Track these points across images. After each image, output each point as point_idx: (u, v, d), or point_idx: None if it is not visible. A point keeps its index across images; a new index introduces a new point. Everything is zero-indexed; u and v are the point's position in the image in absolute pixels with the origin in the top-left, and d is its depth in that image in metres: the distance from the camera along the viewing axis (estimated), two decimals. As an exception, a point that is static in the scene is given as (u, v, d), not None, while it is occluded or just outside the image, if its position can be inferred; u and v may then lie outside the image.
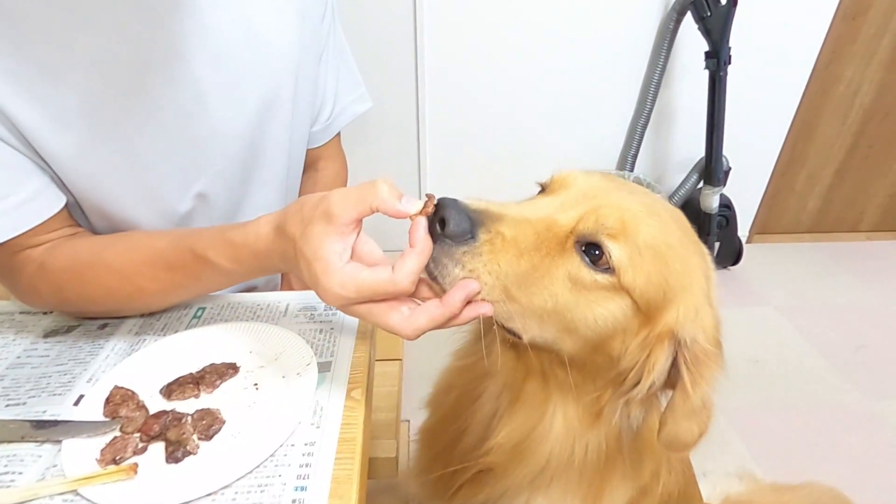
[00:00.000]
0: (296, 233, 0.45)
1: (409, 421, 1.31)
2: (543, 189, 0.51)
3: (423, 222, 0.42)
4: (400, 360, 1.02)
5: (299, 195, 0.86)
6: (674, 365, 0.45)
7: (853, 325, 1.91)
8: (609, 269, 0.43)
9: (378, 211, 0.43)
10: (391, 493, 1.25)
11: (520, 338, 0.47)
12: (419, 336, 0.44)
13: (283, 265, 0.50)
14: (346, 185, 0.93)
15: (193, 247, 0.52)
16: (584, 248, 0.44)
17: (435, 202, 0.43)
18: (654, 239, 0.44)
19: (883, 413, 1.54)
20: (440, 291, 0.44)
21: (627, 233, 0.43)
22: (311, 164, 0.87)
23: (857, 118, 2.16)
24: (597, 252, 0.43)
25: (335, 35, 0.78)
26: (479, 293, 0.42)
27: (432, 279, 0.43)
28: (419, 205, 0.43)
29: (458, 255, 0.42)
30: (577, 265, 0.43)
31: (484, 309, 0.43)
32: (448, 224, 0.41)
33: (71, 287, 0.55)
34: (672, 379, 0.46)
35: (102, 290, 0.55)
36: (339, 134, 0.89)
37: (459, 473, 0.59)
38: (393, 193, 0.43)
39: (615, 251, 0.42)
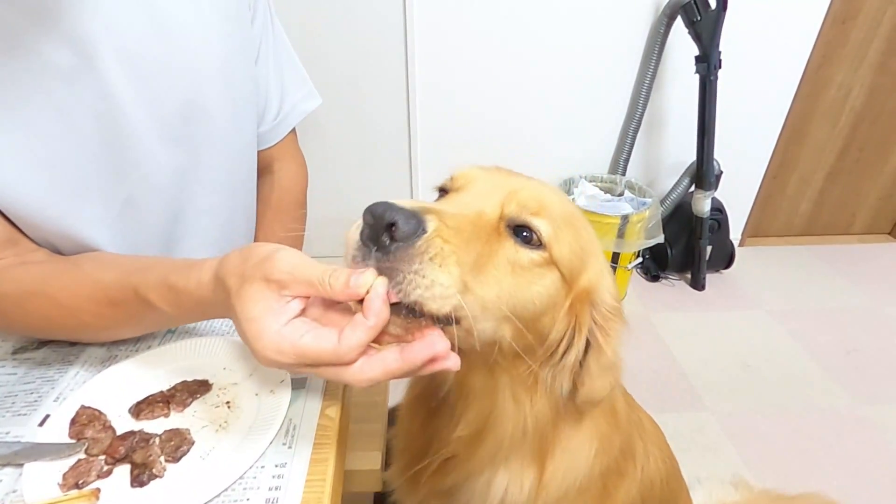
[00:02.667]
0: (232, 287, 0.41)
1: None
2: (445, 190, 0.53)
3: (381, 290, 0.37)
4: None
5: (257, 199, 0.84)
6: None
7: (845, 328, 1.91)
8: (540, 246, 0.46)
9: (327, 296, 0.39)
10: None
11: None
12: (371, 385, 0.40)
13: (226, 314, 0.44)
14: (305, 186, 0.91)
15: (137, 287, 0.49)
16: (514, 230, 0.46)
17: (365, 212, 0.39)
18: (565, 212, 0.48)
19: (874, 417, 1.54)
20: (402, 324, 0.39)
21: (545, 209, 0.46)
22: (266, 166, 0.84)
23: (848, 121, 2.17)
24: (525, 234, 0.46)
25: (273, 34, 0.76)
26: (446, 352, 0.38)
27: (397, 294, 0.38)
28: (370, 278, 0.38)
29: (416, 252, 0.38)
30: (513, 248, 0.45)
31: (450, 363, 0.38)
32: (398, 225, 0.37)
33: (13, 314, 0.54)
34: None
35: (44, 321, 0.54)
36: (294, 134, 0.87)
37: (427, 466, 0.61)
38: (347, 283, 0.38)
39: (542, 227, 0.46)
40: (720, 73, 1.78)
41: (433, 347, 0.37)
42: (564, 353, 0.50)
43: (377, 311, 0.37)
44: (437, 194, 0.55)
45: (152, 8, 0.57)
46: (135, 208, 0.63)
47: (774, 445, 1.46)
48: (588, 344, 0.50)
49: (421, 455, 0.63)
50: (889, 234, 2.49)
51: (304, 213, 0.92)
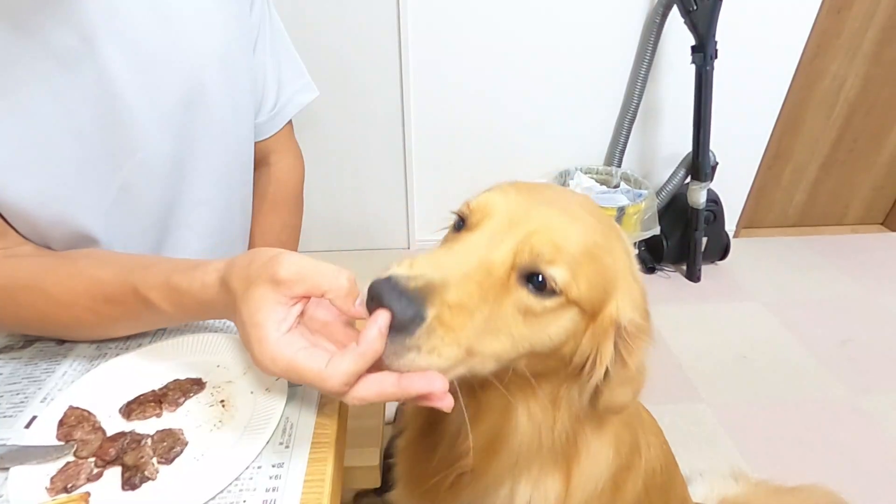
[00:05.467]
0: (238, 290, 0.42)
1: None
2: (462, 219, 0.49)
3: (381, 321, 0.37)
4: (384, 364, 1.00)
5: (254, 191, 0.83)
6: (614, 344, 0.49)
7: (839, 319, 1.92)
8: (557, 293, 0.43)
9: (328, 300, 0.40)
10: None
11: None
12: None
13: (228, 316, 0.46)
14: (302, 178, 0.90)
15: (137, 285, 0.48)
16: (527, 278, 0.43)
17: (368, 288, 0.39)
18: (585, 245, 0.45)
19: (868, 407, 1.55)
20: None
21: (562, 252, 0.43)
22: (262, 158, 0.83)
23: (843, 112, 2.17)
24: (540, 279, 0.43)
25: (271, 25, 0.75)
26: (443, 392, 0.38)
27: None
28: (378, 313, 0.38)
29: (413, 343, 0.38)
30: (525, 297, 0.43)
31: (443, 404, 0.38)
32: (395, 314, 0.37)
33: (5, 308, 0.52)
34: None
35: (37, 315, 0.52)
36: (290, 126, 0.86)
37: (440, 482, 0.60)
38: (352, 293, 0.40)
39: (558, 275, 0.43)
40: (716, 63, 1.77)
41: (431, 385, 0.38)
42: (588, 373, 0.49)
43: (370, 341, 0.37)
44: (453, 217, 0.52)
45: None
46: (130, 195, 0.62)
47: (770, 436, 1.46)
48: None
49: (429, 472, 0.61)
50: (882, 224, 2.50)
51: (301, 206, 0.91)
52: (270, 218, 0.85)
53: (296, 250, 0.88)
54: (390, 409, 0.95)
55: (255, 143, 0.79)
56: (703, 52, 1.74)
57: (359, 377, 0.38)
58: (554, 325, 0.45)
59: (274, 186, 0.85)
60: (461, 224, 0.49)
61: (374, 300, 0.38)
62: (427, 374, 0.38)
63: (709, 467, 1.19)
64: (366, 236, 2.23)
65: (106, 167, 0.59)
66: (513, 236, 0.44)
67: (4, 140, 0.51)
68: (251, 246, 0.85)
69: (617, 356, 0.48)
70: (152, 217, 0.66)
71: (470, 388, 0.53)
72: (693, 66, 1.79)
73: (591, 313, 0.47)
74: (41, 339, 0.56)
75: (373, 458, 0.81)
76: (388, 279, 0.39)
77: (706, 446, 1.42)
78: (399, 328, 0.38)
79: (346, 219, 2.19)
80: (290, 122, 0.85)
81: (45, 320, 0.53)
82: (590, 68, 1.95)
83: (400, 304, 0.37)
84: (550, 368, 0.49)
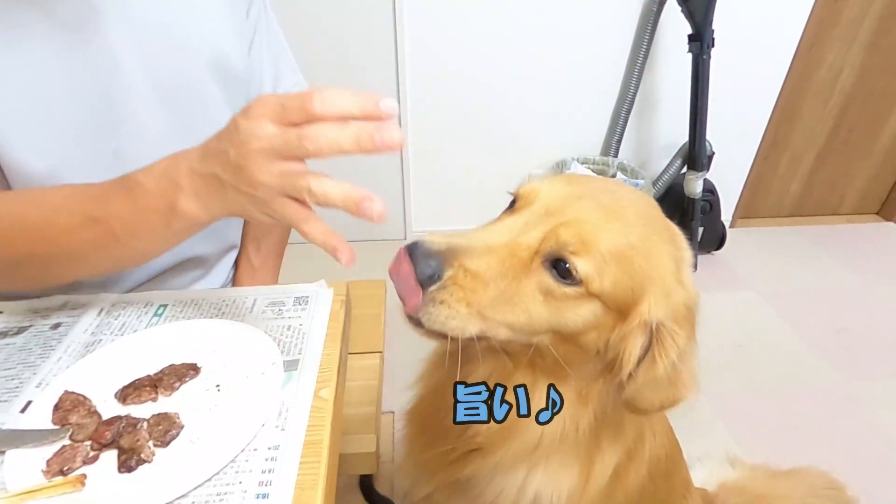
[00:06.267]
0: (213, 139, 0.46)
1: (393, 412, 1.30)
2: (515, 199, 0.53)
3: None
4: (380, 352, 1.00)
5: None
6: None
7: (834, 307, 1.93)
8: (578, 282, 0.46)
9: (315, 114, 0.42)
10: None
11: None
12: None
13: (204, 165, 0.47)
14: None
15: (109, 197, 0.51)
16: (552, 263, 0.46)
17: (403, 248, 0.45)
18: (616, 245, 0.46)
19: (863, 395, 1.56)
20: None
21: (589, 246, 0.45)
22: None
23: (839, 102, 2.17)
24: (565, 265, 0.46)
25: (267, 24, 0.79)
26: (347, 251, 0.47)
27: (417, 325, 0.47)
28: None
29: (431, 296, 0.45)
30: (546, 280, 0.46)
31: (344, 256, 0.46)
32: (418, 269, 0.44)
33: None
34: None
35: (21, 244, 0.52)
36: None
37: (448, 453, 0.61)
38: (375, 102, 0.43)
39: (581, 265, 0.45)
40: (713, 52, 1.77)
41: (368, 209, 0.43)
42: (616, 371, 0.49)
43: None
44: (510, 198, 0.55)
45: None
46: (124, 162, 0.62)
47: (765, 423, 1.48)
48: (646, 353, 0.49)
49: (435, 441, 0.62)
50: (877, 213, 2.51)
51: None
52: None
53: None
54: (387, 401, 0.95)
55: None
56: (700, 41, 1.73)
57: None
58: (572, 312, 0.47)
59: None
60: (512, 204, 0.52)
61: (404, 258, 0.45)
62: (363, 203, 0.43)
63: (704, 454, 1.21)
64: (361, 227, 2.20)
65: (101, 131, 0.61)
66: (545, 224, 0.47)
67: (5, 88, 0.53)
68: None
69: (649, 357, 0.47)
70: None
71: (498, 362, 0.54)
72: (690, 56, 1.78)
73: (617, 311, 0.47)
74: (34, 323, 0.56)
75: (370, 445, 0.81)
76: (421, 241, 0.45)
77: (702, 433, 1.43)
78: (423, 281, 0.44)
79: (341, 210, 2.18)
80: None
81: (32, 252, 0.53)
82: (587, 58, 1.94)
83: (424, 262, 0.44)
84: (575, 355, 0.50)
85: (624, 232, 0.47)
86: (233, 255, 0.87)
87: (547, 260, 0.46)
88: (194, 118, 0.67)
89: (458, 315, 0.45)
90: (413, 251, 0.45)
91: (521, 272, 0.46)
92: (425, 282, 0.44)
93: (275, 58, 0.82)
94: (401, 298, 0.46)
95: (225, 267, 0.85)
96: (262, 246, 0.90)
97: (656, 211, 0.52)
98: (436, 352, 0.67)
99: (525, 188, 0.51)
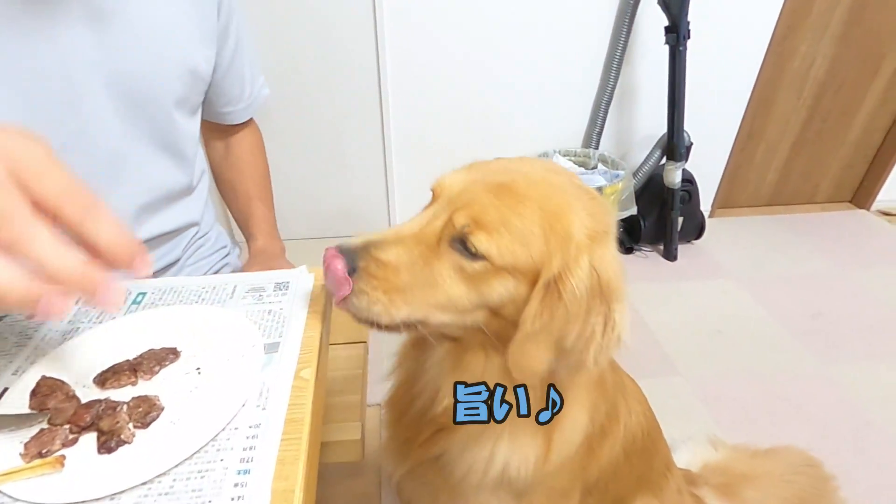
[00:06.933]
0: None
1: (380, 405, 1.29)
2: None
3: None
4: (365, 342, 1.00)
5: (211, 165, 0.94)
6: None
7: (809, 293, 1.98)
8: (482, 257, 0.49)
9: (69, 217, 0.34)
10: (362, 474, 1.25)
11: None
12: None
13: None
14: (265, 158, 1.01)
15: None
16: (459, 243, 0.50)
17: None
18: (507, 219, 0.49)
19: (838, 377, 1.61)
20: None
21: (482, 224, 0.48)
22: (229, 133, 0.95)
23: (812, 92, 2.22)
24: (468, 245, 0.49)
25: (238, 27, 0.82)
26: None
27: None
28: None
29: (352, 288, 0.49)
30: (457, 259, 0.50)
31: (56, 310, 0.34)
32: (332, 268, 0.48)
33: None
34: None
35: None
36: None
37: (421, 432, 0.64)
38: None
39: (478, 242, 0.48)
40: (689, 44, 1.80)
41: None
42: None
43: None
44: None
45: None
46: (70, 156, 0.64)
47: (744, 406, 1.51)
48: None
49: (409, 424, 0.65)
50: (850, 202, 2.57)
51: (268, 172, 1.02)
52: (258, 159, 0.99)
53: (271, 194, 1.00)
54: (374, 393, 0.96)
55: (223, 123, 0.92)
56: (676, 33, 1.76)
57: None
58: (486, 287, 0.50)
59: (249, 136, 0.98)
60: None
61: (332, 256, 0.49)
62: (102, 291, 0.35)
63: (686, 437, 1.23)
64: (346, 222, 2.22)
65: (61, 108, 0.62)
66: (446, 212, 0.51)
67: None
68: (242, 190, 0.97)
69: (538, 307, 0.49)
70: (102, 164, 0.69)
71: (453, 347, 0.57)
72: (667, 48, 1.81)
73: (528, 281, 0.50)
74: (9, 314, 0.55)
75: (355, 433, 0.82)
76: (340, 242, 0.50)
77: (683, 417, 1.46)
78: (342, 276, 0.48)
79: (325, 205, 2.18)
80: None
81: None
82: (566, 52, 1.96)
83: (338, 260, 0.48)
84: (507, 329, 0.51)
85: (514, 206, 0.49)
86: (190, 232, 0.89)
87: (454, 242, 0.50)
88: (146, 116, 0.70)
89: (377, 302, 0.49)
90: (329, 255, 0.49)
91: (431, 256, 0.50)
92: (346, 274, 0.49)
93: (252, 60, 0.87)
94: (331, 292, 0.51)
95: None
96: (252, 230, 0.96)
97: (558, 177, 0.54)
98: (406, 342, 0.70)
99: (436, 183, 0.55)
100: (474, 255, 0.49)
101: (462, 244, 0.50)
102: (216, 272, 0.92)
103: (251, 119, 0.98)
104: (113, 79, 0.65)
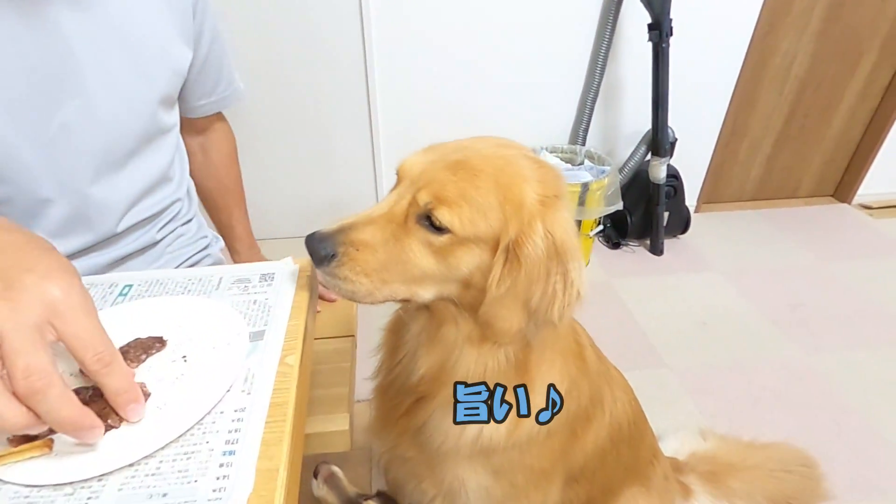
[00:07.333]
0: None
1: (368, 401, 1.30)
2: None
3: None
4: (353, 336, 1.01)
5: (189, 156, 0.95)
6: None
7: (791, 285, 2.02)
8: (446, 230, 0.52)
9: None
10: (351, 465, 1.26)
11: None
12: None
13: None
14: (238, 163, 1.05)
15: None
16: (425, 219, 0.53)
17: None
18: (465, 192, 0.52)
19: (819, 366, 1.64)
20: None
21: (442, 199, 0.52)
22: (202, 129, 0.98)
23: (793, 88, 2.26)
24: (433, 220, 0.53)
25: (213, 26, 0.84)
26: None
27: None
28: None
29: (332, 271, 0.53)
30: (424, 234, 0.54)
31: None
32: (314, 255, 0.52)
33: None
34: None
35: None
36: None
37: (401, 404, 0.67)
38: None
39: (441, 216, 0.52)
40: (672, 41, 1.82)
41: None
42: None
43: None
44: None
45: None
46: (70, 134, 0.68)
47: (729, 396, 1.54)
48: None
49: (391, 398, 0.68)
50: (832, 196, 2.62)
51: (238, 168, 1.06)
52: (234, 168, 1.03)
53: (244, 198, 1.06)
54: (360, 388, 0.97)
55: (196, 117, 0.94)
56: (659, 30, 1.79)
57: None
58: (454, 258, 0.54)
59: (225, 143, 1.02)
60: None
61: (307, 246, 0.53)
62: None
63: (676, 426, 1.26)
64: (333, 217, 2.22)
65: (48, 102, 0.65)
66: (410, 192, 0.55)
67: None
68: (215, 181, 1.01)
69: (502, 272, 0.53)
70: (89, 158, 0.71)
71: (427, 322, 0.61)
72: (650, 45, 1.84)
73: (490, 250, 0.53)
74: None
75: (343, 423, 0.83)
76: (314, 232, 0.53)
77: (669, 408, 1.49)
78: (321, 262, 0.52)
79: (314, 201, 2.18)
80: None
81: None
82: (552, 49, 1.98)
83: (317, 247, 0.52)
84: (477, 299, 0.55)
85: (471, 180, 0.53)
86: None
87: (421, 219, 0.53)
88: (136, 102, 0.74)
89: (361, 283, 0.53)
90: (311, 240, 0.53)
91: (401, 233, 0.54)
92: (324, 261, 0.52)
93: (227, 54, 0.91)
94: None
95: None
96: (235, 244, 1.03)
97: (510, 150, 0.57)
98: (387, 327, 0.73)
99: (399, 166, 0.59)
100: (439, 229, 0.52)
101: (428, 220, 0.53)
102: (197, 262, 0.94)
103: (226, 121, 1.02)
104: (101, 79, 0.68)
